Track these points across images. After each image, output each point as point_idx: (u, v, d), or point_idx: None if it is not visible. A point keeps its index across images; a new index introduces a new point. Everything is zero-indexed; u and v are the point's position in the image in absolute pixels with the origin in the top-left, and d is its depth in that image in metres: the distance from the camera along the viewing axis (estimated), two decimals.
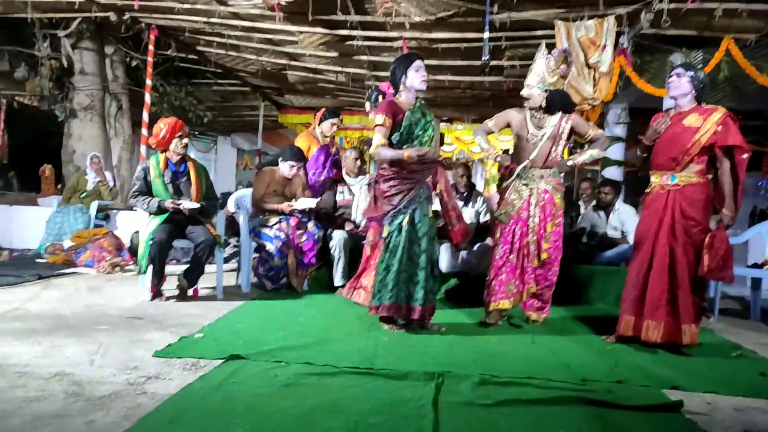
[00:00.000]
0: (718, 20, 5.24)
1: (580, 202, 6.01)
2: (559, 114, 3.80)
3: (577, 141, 3.99)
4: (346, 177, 5.23)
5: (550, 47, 4.04)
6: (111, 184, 7.20)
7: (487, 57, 4.47)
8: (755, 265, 4.71)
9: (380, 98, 4.53)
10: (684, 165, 3.31)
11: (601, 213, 5.38)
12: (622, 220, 5.27)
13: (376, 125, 3.41)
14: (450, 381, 2.51)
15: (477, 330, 3.71)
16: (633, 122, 8.30)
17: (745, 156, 3.21)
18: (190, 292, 4.37)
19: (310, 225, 4.84)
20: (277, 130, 12.48)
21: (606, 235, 5.28)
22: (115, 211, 7.12)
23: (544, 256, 3.79)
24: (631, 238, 5.17)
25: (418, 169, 3.42)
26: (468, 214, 5.24)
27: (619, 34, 5.70)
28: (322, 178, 5.16)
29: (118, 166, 8.04)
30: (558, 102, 3.77)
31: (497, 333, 3.64)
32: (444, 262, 4.93)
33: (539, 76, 3.79)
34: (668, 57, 6.17)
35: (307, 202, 4.80)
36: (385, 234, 3.44)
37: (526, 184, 3.83)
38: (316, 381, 2.46)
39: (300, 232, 4.77)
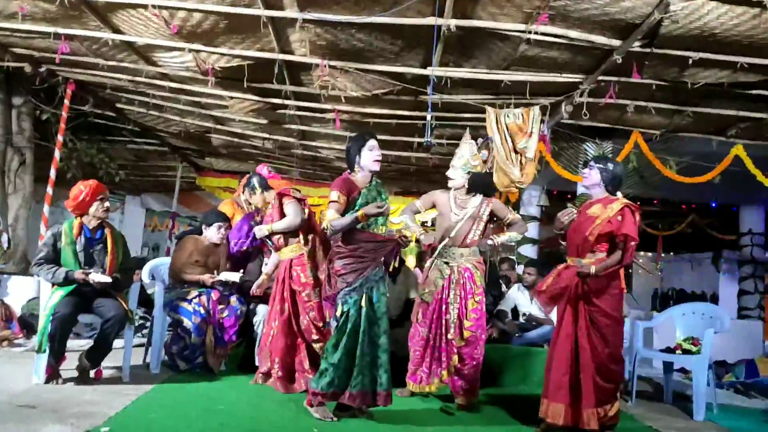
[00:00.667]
0: (630, 115, 5.72)
1: (501, 281, 6.13)
2: (480, 197, 4.03)
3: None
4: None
5: (475, 137, 4.31)
6: (5, 246, 6.52)
7: (429, 140, 4.57)
8: (668, 349, 4.91)
9: (256, 182, 4.61)
10: (587, 252, 3.46)
11: (526, 292, 5.48)
12: None
13: (331, 201, 3.35)
14: None
15: (411, 418, 3.54)
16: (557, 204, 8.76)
17: (633, 244, 3.38)
18: (92, 374, 3.89)
19: (233, 299, 4.54)
20: (194, 192, 12.02)
21: (532, 315, 5.36)
22: (6, 276, 6.41)
23: (466, 334, 3.83)
24: (555, 318, 5.30)
25: (373, 248, 3.34)
26: (396, 290, 5.17)
27: (540, 122, 6.06)
28: (245, 248, 4.93)
29: (14, 225, 7.31)
30: (479, 185, 4.04)
31: (431, 423, 3.49)
32: None
33: (463, 160, 4.03)
34: (582, 145, 6.61)
35: (231, 276, 4.54)
36: (338, 313, 3.28)
37: (447, 263, 3.96)
38: None
39: (221, 306, 4.46)
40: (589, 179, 3.59)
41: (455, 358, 3.84)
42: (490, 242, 4.01)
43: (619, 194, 3.58)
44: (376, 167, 3.48)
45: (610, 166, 3.55)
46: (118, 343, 4.19)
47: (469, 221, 3.97)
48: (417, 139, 7.10)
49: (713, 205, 10.82)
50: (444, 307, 3.88)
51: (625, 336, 4.94)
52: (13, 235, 7.15)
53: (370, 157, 3.45)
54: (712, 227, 11.24)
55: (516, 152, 5.13)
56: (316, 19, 4.32)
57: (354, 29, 4.50)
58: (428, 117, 4.68)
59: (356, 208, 3.34)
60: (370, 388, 3.26)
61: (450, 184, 4.09)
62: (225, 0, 4.30)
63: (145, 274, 4.78)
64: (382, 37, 4.64)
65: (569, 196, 7.22)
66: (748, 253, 9.50)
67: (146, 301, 5.71)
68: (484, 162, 4.17)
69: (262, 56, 5.06)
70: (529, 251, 8.67)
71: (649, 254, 15.39)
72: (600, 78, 4.89)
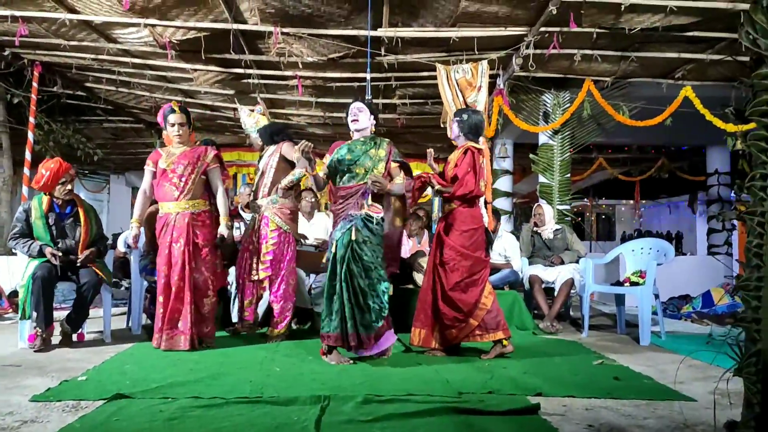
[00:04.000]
0: (578, 64, 5.91)
1: None
2: (272, 147, 4.38)
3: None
4: (301, 218, 5.38)
5: None
6: None
7: (370, 97, 4.78)
8: (618, 283, 5.23)
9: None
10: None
11: None
12: (505, 246, 5.67)
13: None
14: (335, 402, 2.62)
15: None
16: (517, 155, 8.96)
17: (466, 179, 3.78)
18: (74, 338, 4.18)
19: None
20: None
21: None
22: None
23: (262, 275, 4.25)
24: (514, 264, 5.61)
25: (342, 196, 3.73)
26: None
27: (495, 77, 6.26)
28: None
29: None
30: (264, 136, 4.41)
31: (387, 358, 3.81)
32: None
33: (247, 125, 4.47)
34: (540, 97, 6.82)
35: None
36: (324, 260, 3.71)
37: (253, 216, 4.40)
38: (202, 413, 2.49)
39: None
40: (452, 132, 4.06)
41: (255, 297, 4.33)
42: (281, 184, 4.28)
43: (481, 140, 4.10)
44: (353, 126, 3.84)
45: (465, 116, 3.98)
46: (99, 313, 4.49)
47: (265, 174, 4.34)
48: (381, 101, 7.28)
49: (683, 148, 11.10)
50: (246, 254, 4.32)
51: (581, 274, 5.29)
52: None
53: (349, 118, 3.87)
54: (683, 170, 11.52)
55: (467, 106, 5.33)
56: None
57: None
58: (367, 77, 4.86)
59: (329, 164, 3.82)
60: (340, 331, 3.54)
61: (250, 145, 4.54)
62: None
63: (120, 243, 5.03)
64: (328, 2, 4.80)
65: (529, 145, 7.46)
66: (715, 193, 9.79)
67: (129, 273, 5.98)
68: (263, 114, 4.52)
69: (216, 26, 5.22)
70: (504, 204, 8.92)
71: (631, 202, 15.76)
72: (543, 29, 5.07)
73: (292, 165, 4.29)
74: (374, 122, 3.90)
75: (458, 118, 3.97)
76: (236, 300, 4.74)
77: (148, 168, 4.10)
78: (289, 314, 4.35)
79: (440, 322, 3.80)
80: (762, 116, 1.84)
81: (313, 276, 5.03)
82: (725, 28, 5.08)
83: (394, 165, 3.80)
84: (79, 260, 4.08)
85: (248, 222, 5.19)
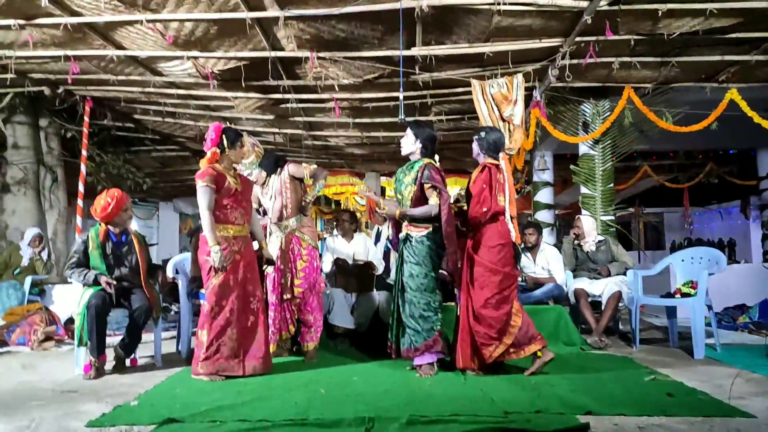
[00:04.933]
0: (617, 72, 5.83)
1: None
2: (274, 175, 4.47)
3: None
4: (341, 240, 5.52)
5: None
6: (45, 258, 7.07)
7: (403, 116, 4.82)
8: (668, 294, 5.06)
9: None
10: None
11: (528, 254, 5.68)
12: (548, 259, 5.58)
13: None
14: (380, 424, 2.63)
15: (411, 375, 3.84)
16: (557, 167, 8.85)
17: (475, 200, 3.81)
18: (127, 362, 4.31)
19: None
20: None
21: (531, 277, 5.57)
22: (50, 285, 6.96)
23: (297, 291, 4.35)
24: (557, 277, 5.50)
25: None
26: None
27: (531, 89, 6.22)
28: None
29: (54, 239, 7.90)
30: (270, 166, 4.48)
31: (431, 377, 3.78)
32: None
33: (244, 167, 4.44)
34: (579, 107, 6.73)
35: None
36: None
37: (277, 236, 4.44)
38: None
39: None
40: (473, 152, 4.08)
41: (293, 314, 4.41)
42: (305, 202, 4.46)
43: (500, 155, 4.03)
44: (402, 152, 4.02)
45: (483, 134, 3.98)
46: (150, 337, 4.63)
47: (279, 197, 4.42)
48: (416, 118, 7.31)
49: (731, 152, 10.72)
50: (278, 273, 4.38)
51: (630, 286, 5.15)
52: (54, 248, 7.73)
53: None
54: (733, 174, 11.11)
55: (503, 120, 5.32)
56: (296, 15, 4.60)
57: (334, 21, 4.76)
58: (400, 96, 4.90)
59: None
60: (393, 342, 3.92)
61: (258, 182, 4.54)
62: (212, 7, 4.62)
63: (169, 269, 5.17)
64: (362, 25, 4.89)
65: (570, 156, 7.34)
66: None
67: (178, 298, 6.15)
68: (253, 147, 4.45)
69: (255, 55, 5.39)
70: (546, 216, 8.81)
71: (680, 209, 15.26)
72: (578, 39, 5.03)
73: (300, 182, 4.51)
74: (421, 145, 3.93)
75: (477, 137, 3.99)
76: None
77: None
78: (321, 326, 4.51)
79: (475, 341, 3.77)
80: None
81: (355, 296, 5.05)
82: None
83: (427, 185, 3.82)
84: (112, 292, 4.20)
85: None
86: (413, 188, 3.84)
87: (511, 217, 3.82)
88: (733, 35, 4.99)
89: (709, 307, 4.81)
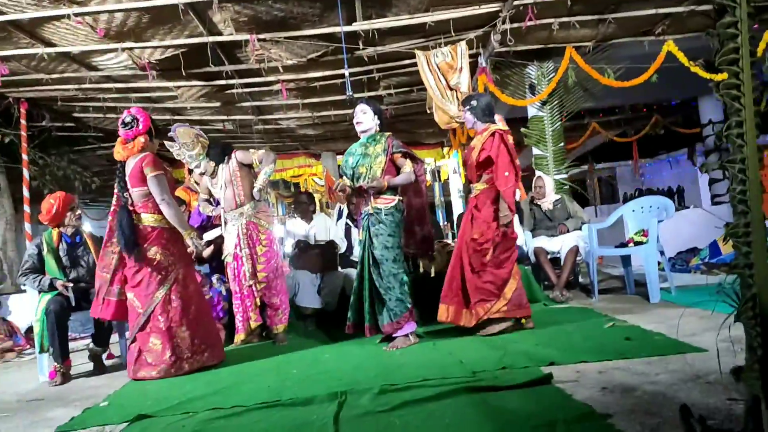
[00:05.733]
0: (557, 33, 5.90)
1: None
2: (222, 164, 4.44)
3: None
4: (300, 222, 5.45)
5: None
6: None
7: (351, 93, 4.80)
8: (622, 245, 5.24)
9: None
10: (476, 178, 3.97)
11: None
12: None
13: None
14: (352, 397, 2.67)
15: (381, 348, 3.88)
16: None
17: (501, 163, 3.78)
18: (104, 357, 4.27)
19: (214, 280, 4.84)
20: (174, 185, 12.24)
21: None
22: (5, 296, 6.73)
23: (260, 276, 4.36)
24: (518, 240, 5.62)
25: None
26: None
27: (476, 56, 6.25)
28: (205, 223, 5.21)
29: (3, 248, 7.63)
30: (218, 156, 4.45)
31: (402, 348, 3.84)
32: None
33: (192, 156, 4.44)
34: (524, 70, 6.81)
35: (213, 233, 4.85)
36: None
37: (234, 225, 4.44)
38: (223, 423, 2.54)
39: (204, 288, 4.76)
40: (467, 122, 4.10)
41: (258, 299, 4.40)
42: (256, 189, 4.41)
43: (496, 117, 4.03)
44: (357, 129, 4.00)
45: (474, 102, 4.02)
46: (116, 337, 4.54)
47: (230, 186, 4.39)
48: (367, 94, 7.28)
49: (674, 103, 11.05)
50: (239, 261, 4.38)
51: (586, 240, 5.31)
52: (4, 257, 7.46)
53: (354, 122, 4.02)
54: (678, 124, 11.47)
55: (450, 89, 5.35)
56: None
57: (270, 0, 4.66)
58: (346, 73, 4.87)
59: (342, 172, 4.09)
60: (355, 320, 3.92)
61: (203, 174, 4.52)
62: None
63: None
64: (299, 4, 4.81)
65: (521, 119, 7.44)
66: (711, 143, 9.75)
67: None
68: (197, 138, 4.46)
69: (192, 42, 5.24)
70: None
71: (630, 162, 15.70)
72: (516, 3, 5.07)
73: (249, 169, 4.48)
74: (378, 121, 3.97)
75: (468, 106, 4.00)
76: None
77: None
78: (288, 308, 4.53)
79: (472, 297, 3.82)
80: (730, 65, 1.85)
81: (320, 276, 5.06)
82: None
83: (397, 155, 3.89)
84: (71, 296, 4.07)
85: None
86: (383, 159, 3.87)
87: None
88: None
89: (662, 253, 5.01)
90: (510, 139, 3.86)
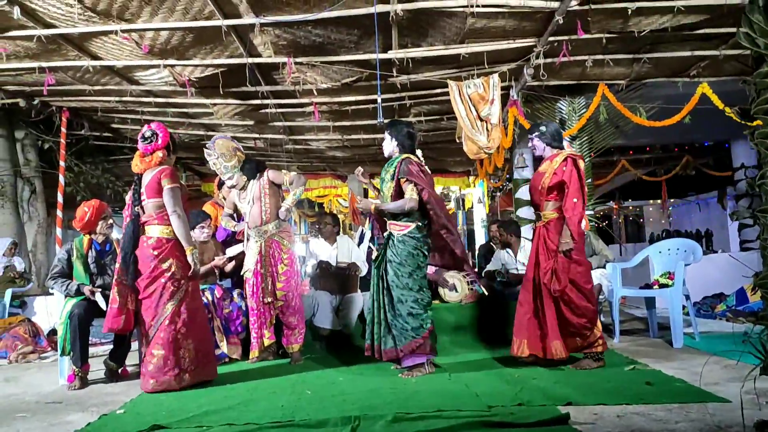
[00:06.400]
0: (591, 70, 5.92)
1: (492, 244, 6.39)
2: (253, 180, 4.49)
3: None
4: (323, 243, 5.51)
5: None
6: (20, 268, 6.97)
7: (382, 118, 4.87)
8: (647, 286, 5.16)
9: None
10: (543, 203, 3.89)
11: (509, 251, 5.75)
12: (528, 255, 5.64)
13: None
14: (365, 422, 2.66)
15: (396, 374, 3.86)
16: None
17: (572, 189, 3.73)
18: (119, 372, 4.29)
19: (235, 295, 4.89)
20: (202, 199, 12.47)
21: (512, 273, 5.64)
22: (31, 297, 6.89)
23: (279, 294, 4.40)
24: None
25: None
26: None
27: (508, 89, 6.30)
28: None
29: (34, 251, 7.82)
30: (251, 171, 4.50)
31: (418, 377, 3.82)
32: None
33: (225, 170, 4.48)
34: (555, 104, 6.83)
35: (236, 249, 4.90)
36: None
37: (257, 241, 4.46)
38: None
39: (225, 302, 4.82)
40: (537, 149, 4.07)
41: (273, 317, 4.46)
42: (283, 209, 4.45)
43: (565, 143, 3.94)
44: (384, 153, 4.08)
45: (543, 128, 4.00)
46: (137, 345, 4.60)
47: (257, 203, 4.44)
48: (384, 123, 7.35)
49: (706, 144, 10.92)
50: (259, 278, 4.41)
51: (609, 279, 5.24)
52: (34, 260, 7.65)
53: None
54: (709, 166, 11.32)
55: (481, 120, 5.39)
56: (271, 22, 4.62)
57: (309, 26, 4.79)
58: (378, 99, 4.95)
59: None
60: (371, 343, 3.91)
61: (233, 186, 4.58)
62: (187, 16, 4.62)
63: None
64: (338, 30, 4.92)
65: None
66: (743, 187, 9.59)
67: None
68: (235, 151, 4.51)
69: (232, 62, 5.39)
70: (527, 213, 8.87)
71: (658, 201, 15.50)
72: (551, 39, 5.11)
73: (278, 188, 4.54)
74: (397, 143, 3.96)
75: (537, 133, 3.99)
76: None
77: None
78: (304, 328, 4.55)
79: (561, 330, 3.75)
80: (766, 114, 1.85)
81: (339, 297, 5.08)
82: (736, 22, 5.01)
83: (403, 180, 3.83)
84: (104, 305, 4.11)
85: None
86: (392, 184, 3.88)
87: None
88: (702, 31, 5.10)
89: (687, 297, 4.92)
90: (582, 164, 3.83)
